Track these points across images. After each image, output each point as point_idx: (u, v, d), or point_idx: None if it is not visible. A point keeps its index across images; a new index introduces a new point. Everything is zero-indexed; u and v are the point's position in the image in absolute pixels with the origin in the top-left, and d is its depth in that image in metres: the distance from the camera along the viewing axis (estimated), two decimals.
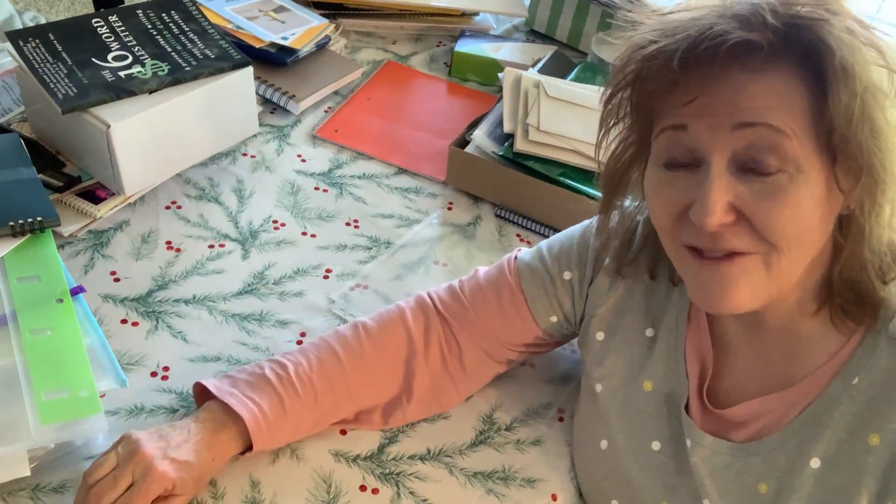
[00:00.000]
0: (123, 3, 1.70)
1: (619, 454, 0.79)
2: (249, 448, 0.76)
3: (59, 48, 1.05)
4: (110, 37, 1.09)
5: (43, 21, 1.49)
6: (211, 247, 1.03)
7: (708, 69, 0.59)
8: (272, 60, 1.28)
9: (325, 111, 1.29)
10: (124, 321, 0.92)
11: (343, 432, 0.83)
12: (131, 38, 1.09)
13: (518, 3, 1.57)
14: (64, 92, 0.99)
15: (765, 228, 0.60)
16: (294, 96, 1.25)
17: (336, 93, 1.33)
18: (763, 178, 0.60)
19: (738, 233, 0.61)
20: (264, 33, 1.29)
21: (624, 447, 0.78)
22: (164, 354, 0.89)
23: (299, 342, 0.92)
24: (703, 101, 0.60)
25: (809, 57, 0.58)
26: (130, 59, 1.06)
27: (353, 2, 1.46)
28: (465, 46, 1.44)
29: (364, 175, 1.19)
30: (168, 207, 1.07)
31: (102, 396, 0.75)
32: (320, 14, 1.40)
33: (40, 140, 1.10)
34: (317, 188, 1.15)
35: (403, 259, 1.06)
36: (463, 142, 1.16)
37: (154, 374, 0.86)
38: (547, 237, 0.94)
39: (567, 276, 0.83)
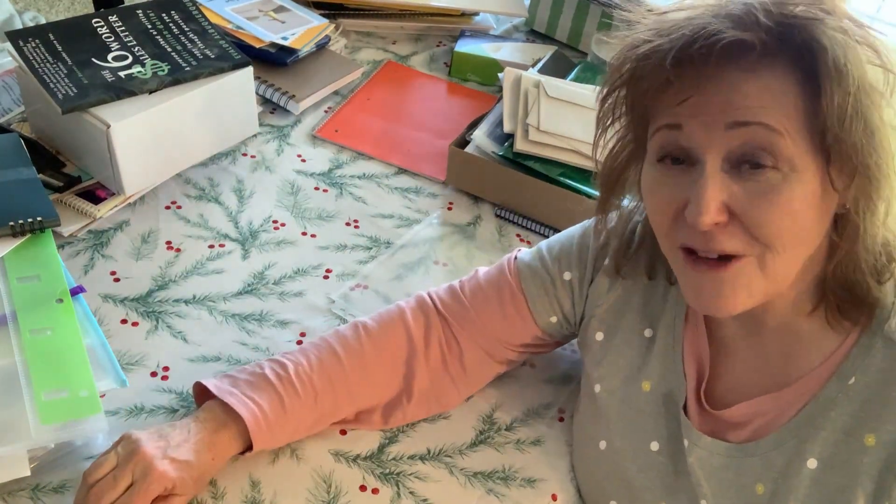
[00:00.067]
0: (123, 3, 1.70)
1: (617, 454, 0.79)
2: (249, 448, 0.76)
3: (59, 48, 1.05)
4: (110, 37, 1.09)
5: (43, 21, 1.49)
6: (211, 247, 1.03)
7: (702, 69, 0.59)
8: (272, 60, 1.28)
9: (325, 111, 1.30)
10: (124, 321, 0.92)
11: (343, 432, 0.83)
12: (131, 38, 1.09)
13: (518, 3, 1.57)
14: (64, 92, 0.99)
15: (756, 228, 0.60)
16: (294, 96, 1.26)
17: (336, 93, 1.33)
18: (757, 177, 0.60)
19: (732, 233, 0.61)
20: (264, 33, 1.29)
21: (623, 448, 0.78)
22: (164, 354, 0.89)
23: (299, 342, 0.92)
24: (697, 101, 0.61)
25: (803, 56, 0.58)
26: (130, 59, 1.06)
27: (353, 2, 1.47)
28: (465, 46, 1.44)
29: (364, 175, 1.19)
30: (168, 207, 1.07)
31: (102, 396, 0.75)
32: (320, 14, 1.40)
33: (40, 140, 1.10)
34: (317, 188, 1.15)
35: (403, 259, 1.06)
36: (463, 142, 1.16)
37: (154, 374, 0.87)
38: (547, 237, 0.94)
39: (567, 276, 0.83)
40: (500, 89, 1.23)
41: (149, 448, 0.71)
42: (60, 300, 0.83)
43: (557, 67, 1.32)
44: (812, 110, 0.59)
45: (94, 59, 1.05)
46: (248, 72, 1.10)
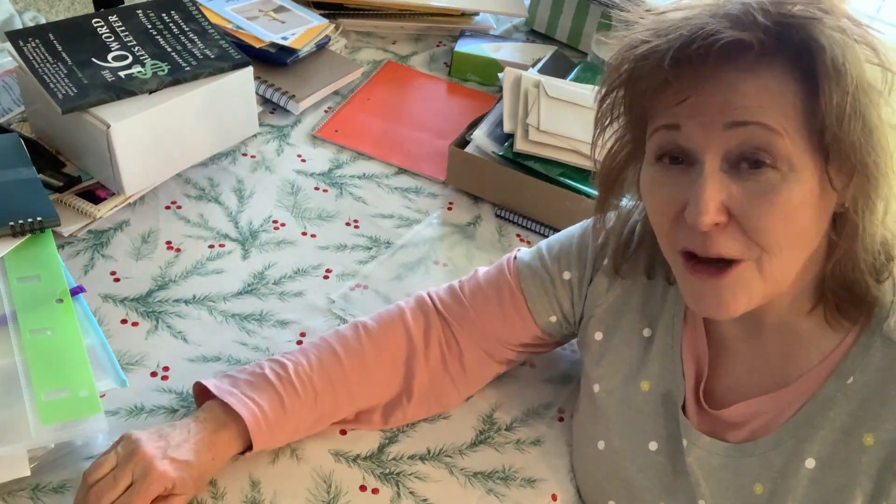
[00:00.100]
0: (123, 3, 1.70)
1: (616, 454, 0.79)
2: (249, 448, 0.76)
3: (59, 48, 1.06)
4: (110, 37, 1.09)
5: (43, 21, 1.49)
6: (211, 247, 1.03)
7: (700, 69, 0.59)
8: (272, 60, 1.28)
9: (325, 111, 1.30)
10: (124, 321, 0.92)
11: (343, 432, 0.83)
12: (131, 38, 1.09)
13: (518, 3, 1.57)
14: (64, 92, 0.99)
15: (754, 230, 0.60)
16: (294, 96, 1.26)
17: (336, 93, 1.33)
18: (756, 176, 0.60)
19: (731, 235, 0.61)
20: (264, 33, 1.29)
21: (621, 447, 0.78)
22: (164, 354, 0.89)
23: (299, 342, 0.92)
24: (695, 101, 0.60)
25: (801, 56, 0.58)
26: (130, 59, 1.06)
27: (353, 2, 1.47)
28: (465, 46, 1.44)
29: (364, 175, 1.19)
30: (168, 207, 1.08)
31: (102, 396, 0.75)
32: (320, 14, 1.40)
33: (40, 140, 1.10)
34: (317, 188, 1.15)
35: (403, 259, 1.06)
36: (463, 142, 1.16)
37: (154, 374, 0.87)
38: (547, 237, 0.94)
39: (566, 276, 0.83)
40: (500, 89, 1.23)
41: (149, 448, 0.71)
42: (60, 300, 0.83)
43: (557, 67, 1.32)
44: (810, 110, 0.59)
45: (94, 59, 1.05)
46: (248, 72, 1.10)
